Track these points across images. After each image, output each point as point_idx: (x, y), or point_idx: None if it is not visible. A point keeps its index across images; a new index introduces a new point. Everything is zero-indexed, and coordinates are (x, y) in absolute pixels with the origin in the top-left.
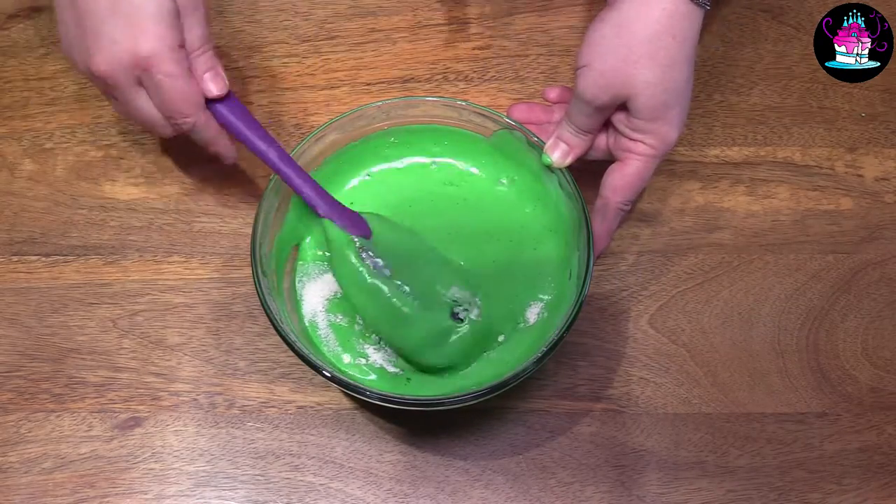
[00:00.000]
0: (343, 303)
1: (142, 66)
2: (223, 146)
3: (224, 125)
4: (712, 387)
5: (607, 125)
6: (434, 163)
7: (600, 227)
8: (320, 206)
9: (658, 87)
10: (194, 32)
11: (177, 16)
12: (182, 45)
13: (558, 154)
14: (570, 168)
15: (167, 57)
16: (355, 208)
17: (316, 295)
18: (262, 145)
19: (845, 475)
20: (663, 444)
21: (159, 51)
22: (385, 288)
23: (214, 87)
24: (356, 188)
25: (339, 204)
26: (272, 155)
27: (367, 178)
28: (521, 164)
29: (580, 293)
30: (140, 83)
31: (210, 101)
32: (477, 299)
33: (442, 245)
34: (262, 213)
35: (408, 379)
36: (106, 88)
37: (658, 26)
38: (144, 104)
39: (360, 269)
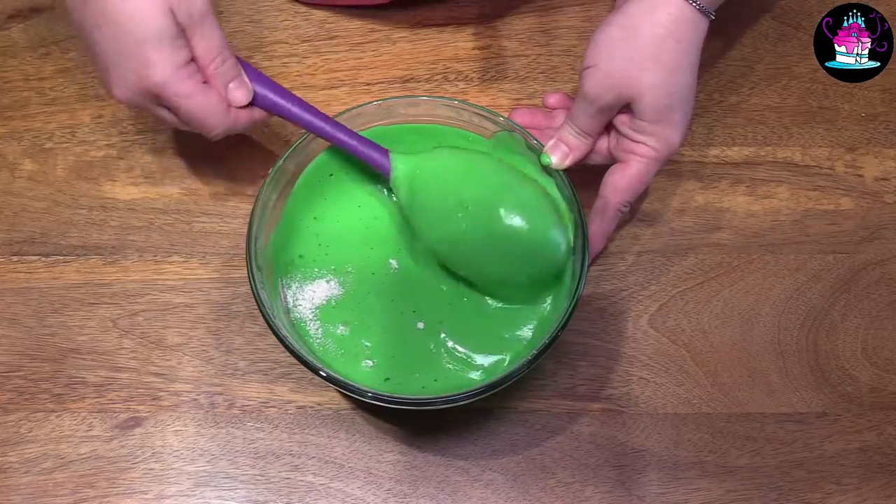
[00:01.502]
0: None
1: (155, 93)
2: (259, 124)
3: (266, 110)
4: (712, 387)
5: (608, 129)
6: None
7: (598, 227)
8: (381, 164)
9: (662, 89)
10: (203, 45)
11: (178, 35)
12: (192, 61)
13: (558, 155)
14: (567, 171)
15: (175, 79)
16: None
17: (306, 300)
18: (310, 118)
19: (845, 475)
20: (663, 444)
21: (166, 76)
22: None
23: (240, 97)
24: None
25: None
26: (323, 123)
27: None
28: (520, 166)
29: (574, 293)
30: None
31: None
32: None
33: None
34: (258, 207)
35: (386, 378)
36: (139, 111)
37: (663, 30)
38: (174, 120)
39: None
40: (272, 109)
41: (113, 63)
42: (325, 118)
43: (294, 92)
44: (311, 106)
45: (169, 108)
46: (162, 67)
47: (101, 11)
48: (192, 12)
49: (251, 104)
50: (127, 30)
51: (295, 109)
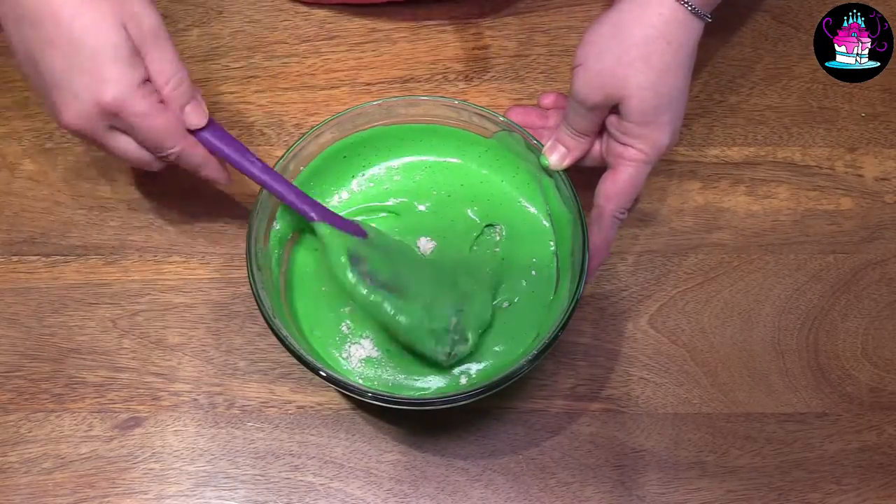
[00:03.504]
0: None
1: (111, 112)
2: (213, 169)
3: (209, 150)
4: (712, 387)
5: (600, 132)
6: (433, 162)
7: (597, 237)
8: (312, 211)
9: (650, 90)
10: (158, 65)
11: (135, 53)
12: (147, 80)
13: (556, 156)
14: (567, 171)
15: (132, 97)
16: (355, 202)
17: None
18: (247, 164)
19: (845, 475)
20: (663, 444)
21: (123, 93)
22: (383, 302)
23: (196, 119)
24: (356, 182)
25: (329, 210)
26: (258, 171)
27: (364, 173)
28: (520, 166)
29: (574, 294)
30: (115, 128)
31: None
32: (468, 334)
33: (437, 242)
34: (258, 207)
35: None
36: (85, 140)
37: (653, 31)
38: (127, 146)
39: (354, 281)
40: (220, 146)
41: (64, 84)
42: (267, 169)
43: (294, 92)
44: (261, 161)
45: (124, 130)
46: (119, 84)
47: (51, 30)
48: (144, 30)
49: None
50: (79, 46)
51: (238, 153)
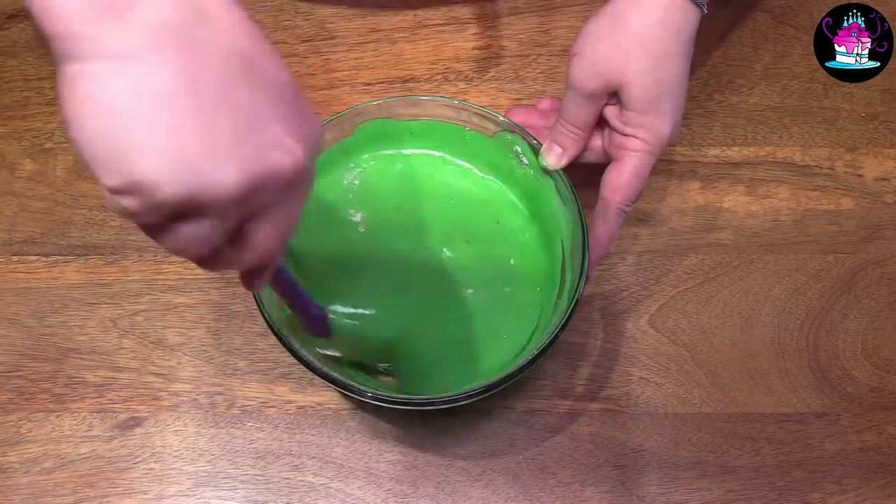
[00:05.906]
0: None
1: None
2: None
3: None
4: (712, 387)
5: (601, 125)
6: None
7: (601, 229)
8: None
9: (649, 77)
10: None
11: None
12: None
13: (553, 156)
14: (567, 170)
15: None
16: (351, 198)
17: None
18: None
19: (845, 475)
20: (663, 444)
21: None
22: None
23: None
24: (353, 177)
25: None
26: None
27: (364, 169)
28: (520, 167)
29: (574, 293)
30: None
31: None
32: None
33: (437, 242)
34: None
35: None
36: (244, 206)
37: (651, 18)
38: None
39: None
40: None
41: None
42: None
43: None
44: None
45: (276, 209)
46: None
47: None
48: None
49: None
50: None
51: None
